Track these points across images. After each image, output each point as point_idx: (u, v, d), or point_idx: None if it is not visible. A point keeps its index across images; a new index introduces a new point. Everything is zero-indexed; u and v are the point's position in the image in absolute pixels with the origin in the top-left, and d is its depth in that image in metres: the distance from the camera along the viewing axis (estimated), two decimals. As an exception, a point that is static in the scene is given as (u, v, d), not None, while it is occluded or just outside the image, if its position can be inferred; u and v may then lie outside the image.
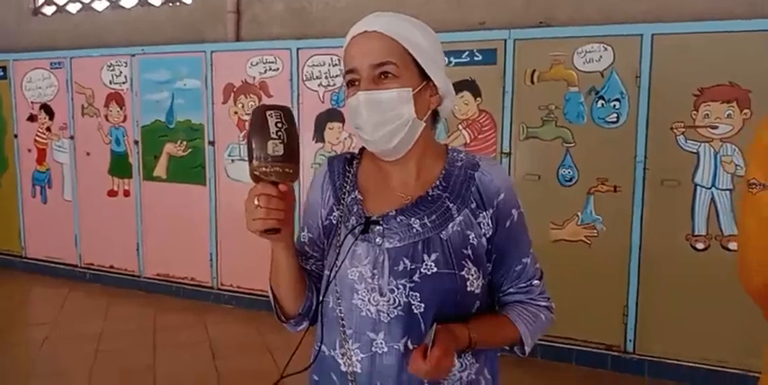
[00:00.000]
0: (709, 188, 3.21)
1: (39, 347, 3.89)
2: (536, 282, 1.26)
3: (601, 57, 3.35)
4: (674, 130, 3.25)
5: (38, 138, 5.39)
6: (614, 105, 3.36)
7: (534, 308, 1.25)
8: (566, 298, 3.46)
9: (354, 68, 1.15)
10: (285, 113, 1.06)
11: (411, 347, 1.14)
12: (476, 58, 3.65)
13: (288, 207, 1.08)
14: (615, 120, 3.37)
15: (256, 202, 1.05)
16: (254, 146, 1.04)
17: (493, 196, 1.19)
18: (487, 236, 1.19)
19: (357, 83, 1.15)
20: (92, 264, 5.24)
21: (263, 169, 1.03)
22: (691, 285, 3.30)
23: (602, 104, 3.38)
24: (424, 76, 1.17)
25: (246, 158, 1.08)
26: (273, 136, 1.03)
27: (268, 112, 1.05)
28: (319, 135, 4.17)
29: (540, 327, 1.25)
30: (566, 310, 3.43)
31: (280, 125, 1.04)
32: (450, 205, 1.18)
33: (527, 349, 1.24)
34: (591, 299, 3.49)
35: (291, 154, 1.04)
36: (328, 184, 1.28)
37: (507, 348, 1.27)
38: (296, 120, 1.08)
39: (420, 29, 1.18)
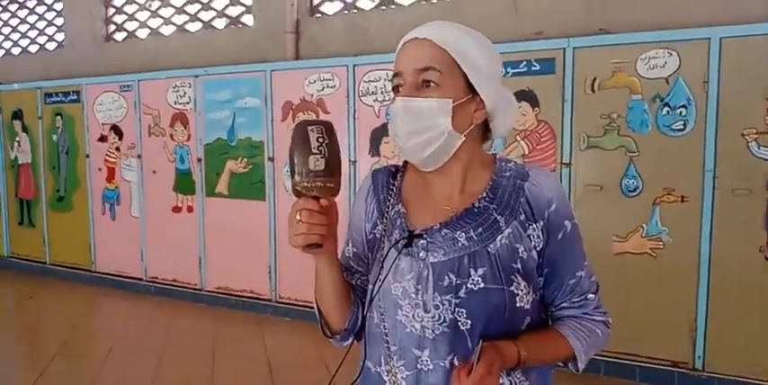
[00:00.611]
0: (785, 197, 3.05)
1: (104, 358, 3.98)
2: (591, 296, 1.19)
3: (666, 63, 3.25)
4: (746, 137, 3.10)
5: (108, 158, 5.61)
6: (680, 112, 3.24)
7: (590, 323, 1.18)
8: (630, 312, 3.35)
9: (399, 72, 1.13)
10: (326, 128, 1.05)
11: (457, 364, 1.09)
12: (533, 68, 3.60)
13: (330, 221, 1.06)
14: (682, 127, 3.24)
15: (298, 217, 1.04)
16: (295, 161, 1.04)
17: (543, 207, 1.14)
18: (538, 249, 1.13)
19: (401, 88, 1.13)
20: (156, 278, 5.38)
21: (305, 184, 1.03)
22: (765, 299, 3.11)
23: (668, 112, 3.27)
24: (472, 89, 1.12)
25: (289, 172, 1.09)
26: (315, 151, 1.03)
27: (309, 128, 1.04)
28: (375, 149, 4.18)
29: (596, 343, 1.18)
30: (630, 325, 3.32)
31: (321, 140, 1.03)
32: (498, 217, 1.13)
33: (581, 366, 1.18)
34: (657, 314, 3.34)
35: (333, 168, 1.04)
36: (372, 198, 1.25)
37: (561, 364, 1.21)
38: (337, 135, 1.07)
39: (475, 40, 1.13)
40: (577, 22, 3.72)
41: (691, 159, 3.23)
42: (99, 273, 5.78)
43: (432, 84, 1.10)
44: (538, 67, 3.58)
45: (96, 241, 5.78)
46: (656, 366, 3.38)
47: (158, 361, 3.90)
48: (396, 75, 1.14)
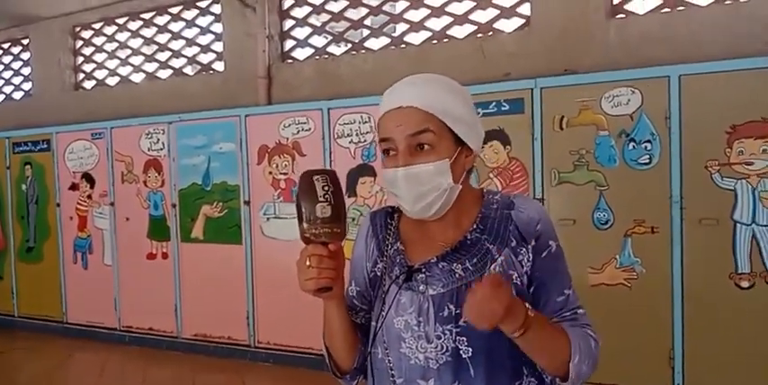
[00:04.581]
0: (750, 225, 3.17)
1: (80, 412, 3.88)
2: (581, 311, 1.22)
3: (629, 100, 3.40)
4: (709, 169, 3.24)
5: (79, 206, 5.55)
6: (646, 147, 3.37)
7: (583, 330, 1.19)
8: (609, 343, 3.36)
9: (390, 138, 1.16)
10: (330, 177, 1.11)
11: None
12: (503, 108, 3.72)
13: (338, 265, 1.11)
14: (647, 161, 3.38)
15: (308, 263, 1.09)
16: (303, 209, 1.09)
17: (531, 228, 1.20)
18: (529, 273, 1.19)
19: (393, 152, 1.17)
20: (131, 327, 5.28)
21: (314, 231, 1.08)
22: (738, 325, 3.20)
23: (634, 146, 3.40)
24: (459, 140, 1.17)
25: (297, 219, 1.12)
26: (321, 199, 1.08)
27: (314, 177, 1.10)
28: (352, 190, 4.23)
29: (590, 354, 1.16)
30: (610, 356, 3.33)
31: (326, 188, 1.09)
32: (490, 246, 1.19)
33: (572, 372, 1.13)
34: (635, 344, 3.39)
35: (339, 214, 1.09)
36: (371, 238, 1.31)
37: (548, 381, 1.20)
38: (340, 182, 1.13)
39: (451, 93, 1.18)
40: (543, 64, 3.87)
41: (658, 191, 3.35)
42: (71, 324, 5.64)
43: (425, 146, 1.14)
44: (507, 107, 3.71)
45: (68, 291, 5.66)
46: (638, 396, 3.43)
47: (137, 412, 3.81)
48: (384, 140, 1.18)
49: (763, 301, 3.14)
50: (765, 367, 3.15)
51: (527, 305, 1.10)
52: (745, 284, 3.19)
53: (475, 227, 1.22)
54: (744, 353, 3.19)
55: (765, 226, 3.14)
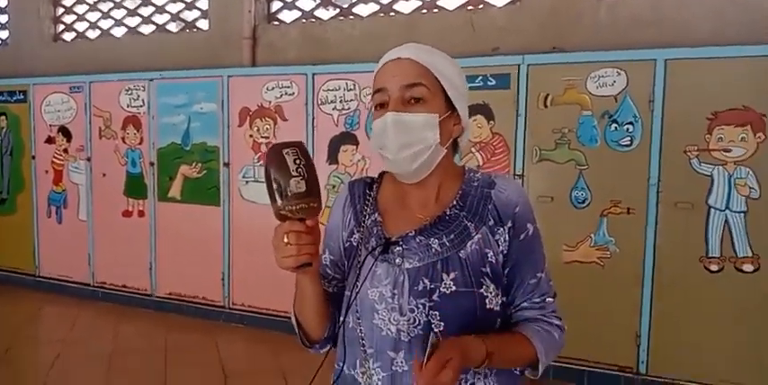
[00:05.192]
0: (723, 210, 3.23)
1: (50, 365, 3.88)
2: (550, 299, 1.25)
3: (614, 81, 3.41)
4: (688, 153, 3.28)
5: (55, 160, 5.47)
6: (627, 129, 3.40)
7: (548, 325, 1.23)
8: (579, 319, 3.46)
9: (384, 88, 1.18)
10: (300, 149, 1.07)
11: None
12: (489, 83, 3.71)
13: (316, 240, 1.10)
14: (628, 143, 3.41)
15: (286, 240, 1.06)
16: (276, 185, 1.04)
17: (509, 210, 1.21)
18: (505, 252, 1.20)
19: (385, 105, 1.18)
20: (104, 283, 5.27)
21: (290, 207, 1.04)
22: (704, 307, 3.29)
23: (616, 128, 3.43)
24: (450, 105, 1.20)
25: (269, 196, 1.07)
26: (294, 173, 1.03)
27: (284, 151, 1.05)
28: (333, 157, 4.22)
29: (554, 347, 1.23)
30: (578, 331, 3.42)
31: (298, 162, 1.04)
32: (468, 224, 1.20)
33: (541, 369, 1.22)
34: (604, 321, 3.49)
35: (313, 188, 1.05)
36: (349, 208, 1.30)
37: (518, 372, 1.26)
38: (310, 154, 1.09)
39: (449, 61, 1.22)
40: (532, 40, 3.85)
41: (636, 173, 3.39)
42: (43, 277, 5.61)
43: (419, 99, 1.16)
44: (493, 82, 3.70)
45: (41, 245, 5.61)
46: (603, 371, 3.52)
47: (108, 368, 3.83)
48: (378, 91, 1.19)
49: (730, 285, 3.23)
50: (727, 348, 3.26)
51: (483, 341, 1.11)
52: (714, 268, 3.27)
53: (455, 203, 1.23)
54: (707, 334, 3.29)
55: (738, 212, 3.21)
